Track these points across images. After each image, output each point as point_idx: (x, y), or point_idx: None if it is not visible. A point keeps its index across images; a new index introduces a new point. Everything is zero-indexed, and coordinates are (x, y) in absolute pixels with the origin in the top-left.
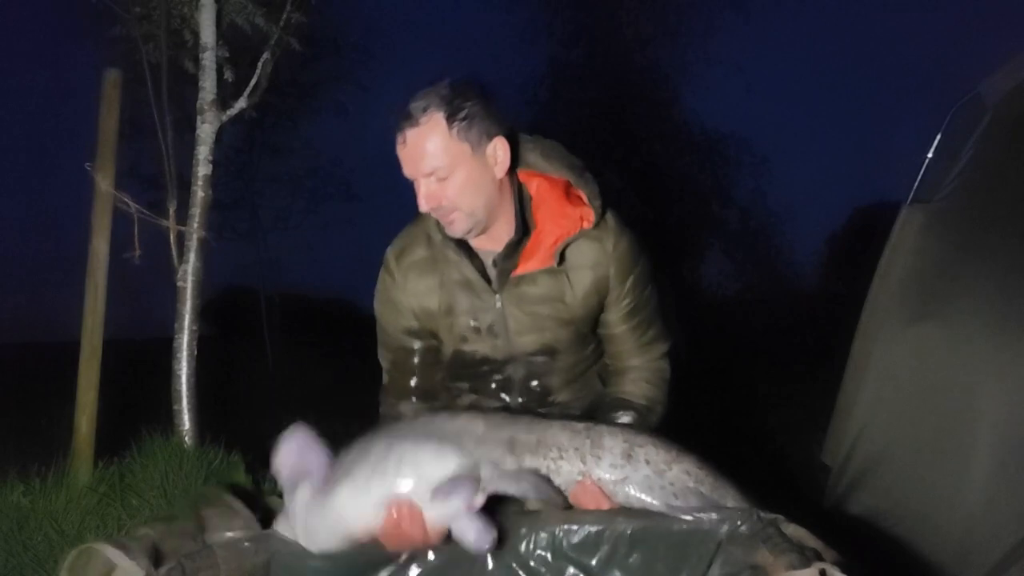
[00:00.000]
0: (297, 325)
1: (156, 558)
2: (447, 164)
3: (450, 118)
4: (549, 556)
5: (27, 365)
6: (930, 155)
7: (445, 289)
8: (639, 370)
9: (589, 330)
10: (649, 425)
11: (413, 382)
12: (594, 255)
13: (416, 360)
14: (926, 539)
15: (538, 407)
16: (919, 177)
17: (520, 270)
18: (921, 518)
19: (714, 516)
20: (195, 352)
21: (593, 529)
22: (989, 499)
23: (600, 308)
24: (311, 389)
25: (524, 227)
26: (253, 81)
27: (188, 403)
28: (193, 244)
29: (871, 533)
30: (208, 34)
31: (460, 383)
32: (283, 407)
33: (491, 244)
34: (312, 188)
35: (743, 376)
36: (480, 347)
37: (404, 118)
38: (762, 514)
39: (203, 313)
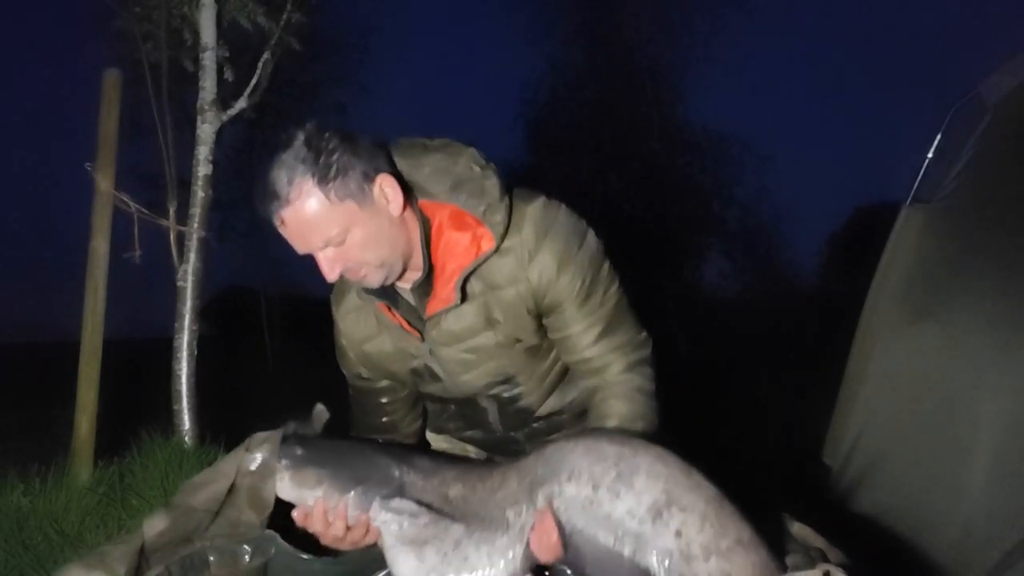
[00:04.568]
0: (297, 325)
1: (142, 560)
2: (338, 230)
3: (321, 181)
4: None
5: (27, 365)
6: (930, 155)
7: (384, 335)
8: (608, 387)
9: (539, 341)
10: None
11: (372, 420)
12: (509, 272)
13: (376, 400)
14: (926, 538)
15: (525, 427)
16: (919, 177)
17: (429, 311)
18: (921, 517)
19: None
20: (195, 352)
21: None
22: (989, 499)
23: (539, 319)
24: (311, 389)
25: (429, 264)
26: (253, 81)
27: (188, 403)
28: (193, 244)
29: (871, 532)
30: (208, 34)
31: (448, 408)
32: (283, 407)
33: (410, 281)
34: None
35: (743, 375)
36: (432, 389)
37: (271, 199)
38: (765, 513)
39: (203, 313)
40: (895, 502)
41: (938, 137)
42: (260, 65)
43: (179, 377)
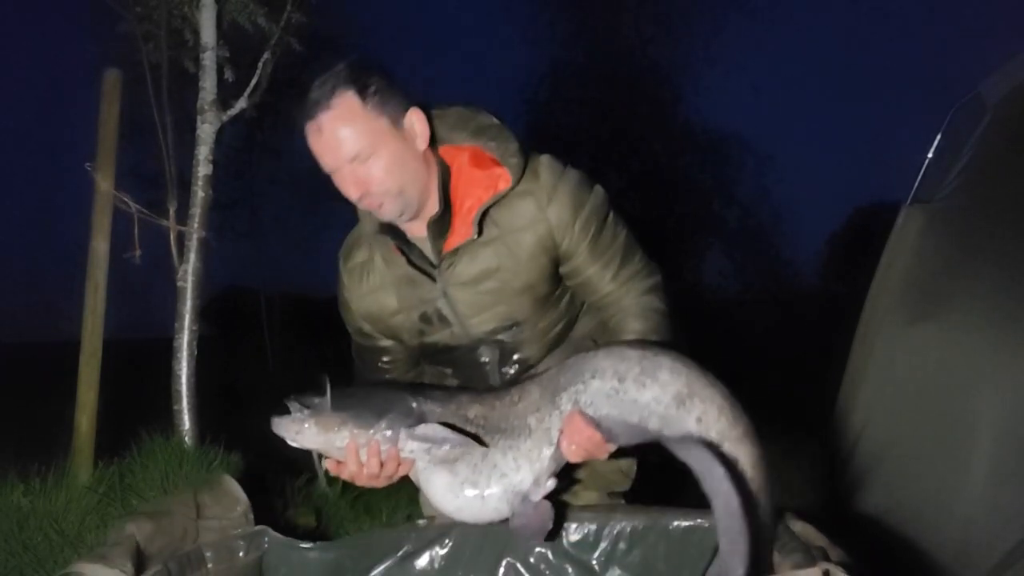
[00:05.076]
0: (297, 325)
1: (140, 561)
2: (369, 143)
3: (361, 93)
4: (549, 553)
5: (27, 365)
6: (930, 155)
7: (388, 288)
8: (624, 311)
9: (550, 290)
10: None
11: (372, 377)
12: (528, 214)
13: (377, 358)
14: (926, 538)
15: None
16: (919, 177)
17: (446, 247)
18: (921, 517)
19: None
20: (195, 352)
21: (593, 526)
22: (989, 499)
23: (554, 265)
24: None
25: (446, 202)
26: (253, 81)
27: (188, 403)
28: (193, 244)
29: (871, 531)
30: (208, 34)
31: (443, 368)
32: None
33: (423, 229)
34: (312, 188)
35: (743, 376)
36: (439, 337)
37: (312, 105)
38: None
39: (203, 313)
40: (895, 501)
41: (938, 137)
42: (260, 65)
43: (179, 377)
